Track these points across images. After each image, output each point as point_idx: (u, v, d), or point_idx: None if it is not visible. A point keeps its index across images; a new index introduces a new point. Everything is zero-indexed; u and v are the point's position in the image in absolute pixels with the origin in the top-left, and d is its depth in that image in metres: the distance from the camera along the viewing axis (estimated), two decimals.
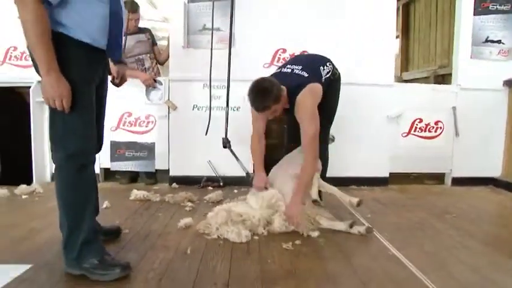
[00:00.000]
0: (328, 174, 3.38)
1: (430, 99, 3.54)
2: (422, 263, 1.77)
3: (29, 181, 3.35)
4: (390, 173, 3.55)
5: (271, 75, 2.52)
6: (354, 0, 3.44)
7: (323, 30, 3.41)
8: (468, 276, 1.66)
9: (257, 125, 2.52)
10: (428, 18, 5.26)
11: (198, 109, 3.47)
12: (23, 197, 2.98)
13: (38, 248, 1.95)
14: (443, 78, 4.54)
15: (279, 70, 2.54)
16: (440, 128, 3.55)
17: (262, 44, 3.41)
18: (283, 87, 2.32)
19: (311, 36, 3.40)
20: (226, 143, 3.22)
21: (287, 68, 2.51)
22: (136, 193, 2.97)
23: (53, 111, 1.61)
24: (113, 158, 3.54)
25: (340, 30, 3.41)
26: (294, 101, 2.33)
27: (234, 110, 3.42)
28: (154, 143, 3.53)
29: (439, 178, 3.70)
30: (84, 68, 1.64)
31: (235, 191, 3.27)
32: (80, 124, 1.63)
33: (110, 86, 2.02)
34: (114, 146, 3.53)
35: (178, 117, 3.48)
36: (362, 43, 3.43)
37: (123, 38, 1.95)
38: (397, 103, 3.49)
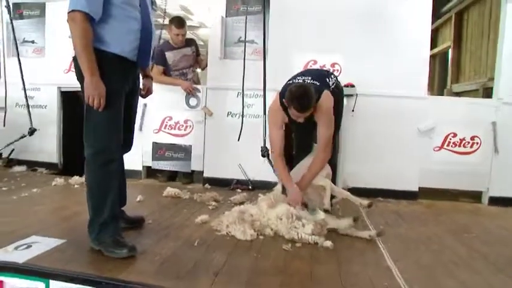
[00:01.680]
0: (356, 185, 3.46)
1: (466, 113, 3.42)
2: (412, 276, 1.79)
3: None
4: (421, 188, 3.47)
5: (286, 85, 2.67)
6: (388, 12, 3.45)
7: (355, 42, 3.46)
8: None
9: (276, 140, 2.62)
10: (481, 27, 4.99)
11: (232, 116, 3.71)
12: (75, 186, 3.44)
13: (76, 227, 2.29)
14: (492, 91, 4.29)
15: (290, 81, 2.67)
16: (477, 143, 3.40)
17: (293, 56, 3.55)
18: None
19: (342, 48, 3.48)
20: (265, 152, 3.37)
21: (298, 79, 2.66)
22: (169, 190, 3.27)
23: (88, 113, 1.94)
24: (154, 158, 3.90)
25: (372, 42, 3.44)
26: (316, 106, 2.46)
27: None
28: (191, 146, 3.84)
29: (475, 197, 3.53)
30: (117, 77, 1.96)
31: (260, 195, 3.41)
32: (107, 126, 1.95)
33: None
34: (156, 146, 3.89)
35: (214, 122, 3.75)
36: (395, 56, 3.42)
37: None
38: (429, 116, 3.42)
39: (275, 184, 3.53)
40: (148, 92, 2.42)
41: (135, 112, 2.33)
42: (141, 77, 2.33)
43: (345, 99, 3.36)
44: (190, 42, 3.93)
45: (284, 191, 2.66)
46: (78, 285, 1.57)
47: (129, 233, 2.24)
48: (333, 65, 3.48)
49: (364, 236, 2.31)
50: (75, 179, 3.56)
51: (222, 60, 3.68)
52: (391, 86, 3.41)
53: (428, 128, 3.41)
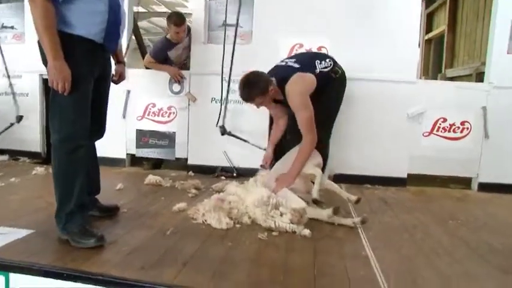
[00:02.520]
0: (344, 172, 3.38)
1: (456, 98, 3.31)
2: (389, 266, 1.72)
3: None
4: (409, 174, 3.39)
5: (270, 69, 2.60)
6: None
7: (343, 25, 3.34)
8: (431, 285, 1.59)
9: (275, 111, 2.78)
10: (476, 10, 4.84)
11: (216, 102, 3.60)
12: None
13: (48, 217, 2.17)
14: None
15: (275, 65, 2.59)
16: (467, 128, 3.31)
17: (279, 39, 3.43)
18: (273, 79, 2.42)
19: (329, 31, 3.36)
20: (223, 131, 3.33)
21: (282, 61, 2.57)
22: (151, 178, 3.19)
23: (53, 97, 1.85)
24: (138, 145, 3.81)
25: (360, 25, 3.32)
26: (283, 91, 2.43)
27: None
28: (174, 133, 3.74)
29: (465, 183, 3.45)
30: (83, 60, 1.87)
31: (245, 182, 3.34)
32: (73, 111, 1.86)
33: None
34: (140, 134, 3.80)
35: (198, 109, 3.65)
36: (384, 38, 3.30)
37: (122, 33, 2.12)
38: (419, 101, 3.31)
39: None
40: (120, 77, 2.34)
41: (107, 98, 2.24)
42: (113, 62, 2.24)
43: None
44: (187, 31, 3.67)
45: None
46: (39, 278, 1.51)
47: (101, 222, 2.18)
48: (319, 48, 3.36)
49: (347, 224, 2.24)
50: None
51: (205, 45, 3.56)
52: (380, 70, 3.30)
53: (418, 113, 3.31)
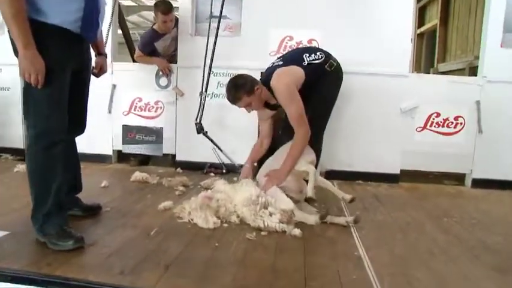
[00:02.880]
0: (335, 168, 3.31)
1: (450, 92, 3.25)
2: (383, 266, 1.64)
3: None
4: (402, 170, 3.33)
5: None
6: None
7: (334, 17, 3.26)
8: (427, 287, 1.52)
9: (263, 127, 2.70)
10: (469, 3, 4.79)
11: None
12: None
13: (25, 217, 2.07)
14: None
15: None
16: (461, 123, 3.25)
17: (269, 32, 3.33)
18: (258, 80, 2.45)
19: (320, 23, 3.27)
20: (200, 130, 3.19)
21: (271, 63, 2.54)
22: (137, 175, 3.08)
23: (26, 90, 1.74)
24: (125, 141, 3.69)
25: (352, 17, 3.25)
26: (270, 89, 2.37)
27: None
28: (162, 128, 3.63)
29: (459, 179, 3.40)
30: (58, 51, 1.74)
31: (235, 178, 3.26)
32: (48, 105, 1.74)
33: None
34: (126, 129, 3.68)
35: (185, 103, 3.54)
36: (376, 31, 3.22)
37: (102, 23, 2.00)
38: (411, 95, 3.25)
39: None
40: (101, 70, 2.22)
41: (87, 91, 2.13)
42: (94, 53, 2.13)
43: None
44: (175, 22, 3.53)
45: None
46: (9, 284, 1.41)
47: (82, 222, 2.07)
48: (310, 41, 3.27)
49: (340, 222, 2.16)
50: None
51: (193, 37, 3.45)
52: (372, 64, 3.23)
53: (411, 108, 3.24)
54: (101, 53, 2.22)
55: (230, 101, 2.45)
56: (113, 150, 3.75)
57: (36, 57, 1.64)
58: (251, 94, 2.38)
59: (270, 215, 2.06)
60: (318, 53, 2.52)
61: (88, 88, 2.12)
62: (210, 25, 3.21)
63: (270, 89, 2.41)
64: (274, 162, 2.51)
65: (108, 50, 3.56)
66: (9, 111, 3.93)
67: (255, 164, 2.84)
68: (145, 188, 2.86)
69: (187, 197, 2.54)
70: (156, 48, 3.48)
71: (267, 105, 2.55)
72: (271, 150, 2.71)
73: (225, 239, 1.90)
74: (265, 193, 2.24)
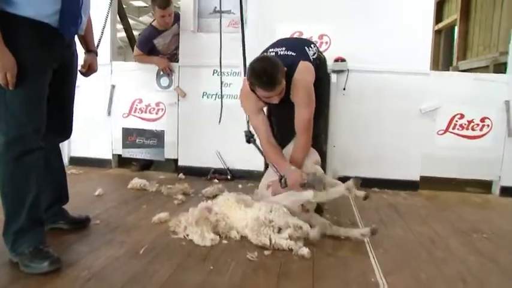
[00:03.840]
0: (348, 174, 3.04)
1: (475, 91, 2.94)
2: None
3: None
4: (422, 177, 3.05)
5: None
6: None
7: (347, 10, 2.99)
8: None
9: (259, 126, 2.21)
10: None
11: (207, 97, 3.28)
12: None
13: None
14: (505, 68, 3.81)
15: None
16: (488, 126, 2.95)
17: (276, 27, 3.08)
18: None
19: (332, 17, 3.01)
20: (250, 138, 2.90)
21: (270, 51, 2.23)
22: (135, 182, 2.87)
23: None
24: (125, 145, 3.50)
25: (366, 10, 2.98)
26: (289, 83, 2.07)
27: None
28: (163, 131, 3.42)
29: (485, 186, 3.09)
30: (33, 48, 1.56)
31: (240, 185, 3.04)
32: (22, 109, 1.55)
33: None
34: (126, 132, 3.48)
35: (188, 105, 3.33)
36: (394, 26, 2.95)
37: (86, 16, 1.80)
38: (432, 95, 2.96)
39: (258, 173, 3.15)
40: (90, 69, 2.02)
41: (72, 93, 1.94)
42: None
43: (334, 76, 2.94)
44: (175, 18, 3.28)
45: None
46: None
47: (66, 238, 1.87)
48: (320, 36, 3.01)
49: (354, 236, 1.91)
50: None
51: (195, 34, 3.23)
52: (388, 61, 2.96)
53: (431, 109, 2.96)
54: (90, 50, 2.02)
55: (266, 87, 1.95)
56: (113, 155, 3.56)
57: (5, 55, 1.45)
58: (283, 78, 1.97)
59: (279, 230, 1.82)
60: (312, 46, 2.27)
61: (73, 89, 1.92)
62: (221, 20, 2.96)
63: (286, 81, 2.06)
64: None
65: (106, 48, 3.44)
66: None
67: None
68: (142, 197, 2.65)
69: (187, 207, 2.30)
70: (156, 46, 3.27)
71: None
72: None
73: (223, 259, 1.67)
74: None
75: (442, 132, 3.00)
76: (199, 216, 1.96)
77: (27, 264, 1.50)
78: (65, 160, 3.60)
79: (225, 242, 1.86)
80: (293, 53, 2.16)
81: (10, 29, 1.46)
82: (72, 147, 3.60)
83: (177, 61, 3.32)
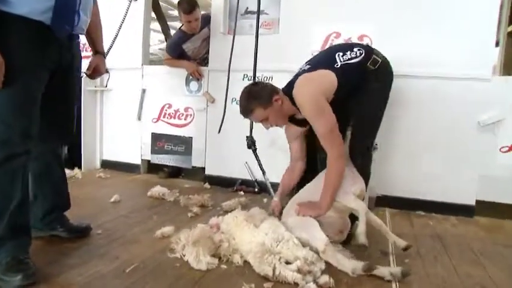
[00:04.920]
0: (388, 193, 2.68)
1: None
2: None
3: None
4: (479, 201, 2.57)
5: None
6: None
7: (391, 7, 2.64)
8: None
9: (292, 148, 2.18)
10: None
11: (237, 103, 3.06)
12: None
13: None
14: None
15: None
16: None
17: (311, 28, 2.82)
18: (279, 89, 1.98)
19: (374, 15, 2.68)
20: (251, 144, 2.75)
21: (298, 68, 2.06)
22: (155, 190, 2.76)
23: None
24: (153, 151, 3.42)
25: (414, 7, 2.59)
26: (293, 100, 1.90)
27: None
28: (191, 138, 3.29)
29: None
30: (25, 47, 1.48)
31: (265, 200, 2.79)
32: (9, 111, 1.47)
33: None
34: (155, 138, 3.41)
35: (217, 111, 3.15)
36: (447, 23, 2.54)
37: (87, 14, 1.70)
38: (494, 104, 2.49)
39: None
40: (96, 71, 1.92)
41: (72, 95, 1.85)
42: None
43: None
44: (205, 20, 3.16)
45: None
46: None
47: (59, 247, 1.78)
48: (361, 37, 2.68)
49: (381, 275, 1.57)
50: None
51: (226, 36, 3.06)
52: (441, 64, 2.55)
53: (493, 121, 2.49)
54: (97, 51, 1.92)
55: (241, 113, 2.01)
56: (142, 160, 3.50)
57: None
58: (268, 106, 1.91)
59: (287, 262, 1.55)
60: (354, 50, 1.95)
61: (74, 91, 1.85)
62: (258, 20, 2.71)
63: (292, 100, 1.92)
64: (309, 194, 1.98)
65: (138, 52, 3.41)
66: None
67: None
68: (157, 206, 2.51)
69: (200, 221, 2.14)
70: (185, 51, 3.15)
71: (293, 120, 2.05)
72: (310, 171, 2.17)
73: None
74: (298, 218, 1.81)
75: (507, 149, 2.51)
76: (201, 235, 1.76)
77: (0, 276, 1.39)
78: (97, 163, 3.63)
79: (224, 267, 1.62)
80: (307, 66, 1.97)
81: (1, 27, 1.39)
82: (104, 151, 3.62)
83: (207, 65, 3.18)
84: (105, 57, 1.97)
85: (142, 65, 3.38)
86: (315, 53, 2.74)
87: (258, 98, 1.91)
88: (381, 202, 2.65)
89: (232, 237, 1.74)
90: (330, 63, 1.88)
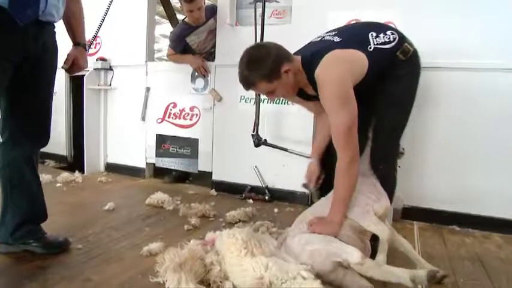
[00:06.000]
0: (416, 204, 2.32)
1: None
2: None
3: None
4: None
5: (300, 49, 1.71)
6: None
7: None
8: None
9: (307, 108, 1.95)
10: None
11: (246, 101, 2.81)
12: (57, 185, 2.88)
13: None
14: None
15: (309, 42, 1.74)
16: None
17: (327, 15, 2.50)
18: (295, 58, 1.58)
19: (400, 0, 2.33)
20: (259, 141, 2.47)
21: (317, 38, 1.68)
22: (154, 197, 2.51)
23: None
24: (158, 153, 3.19)
25: None
26: (312, 79, 1.52)
27: (286, 104, 2.63)
28: (198, 140, 3.03)
29: None
30: None
31: (276, 210, 2.49)
32: None
33: None
34: (159, 139, 3.17)
35: (224, 110, 2.89)
36: (486, 5, 2.16)
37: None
38: None
39: (302, 196, 2.59)
40: (75, 65, 1.68)
41: (45, 93, 1.63)
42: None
43: None
44: (211, 11, 2.89)
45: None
46: None
47: (28, 266, 1.55)
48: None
49: (401, 280, 1.26)
50: (64, 176, 3.01)
51: (233, 28, 2.78)
52: (480, 54, 2.17)
53: None
54: (77, 43, 1.69)
55: (242, 83, 1.61)
56: (147, 163, 3.27)
57: None
58: (274, 79, 1.53)
59: None
60: (388, 33, 1.61)
61: (46, 87, 1.61)
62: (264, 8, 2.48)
63: (309, 76, 1.56)
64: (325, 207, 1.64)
65: (142, 47, 3.18)
66: (56, 116, 3.75)
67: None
68: (153, 216, 2.26)
69: (197, 235, 1.91)
70: (189, 44, 2.89)
71: (300, 93, 1.71)
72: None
73: None
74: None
75: None
76: (189, 256, 1.48)
77: None
78: (101, 166, 3.44)
79: None
80: (338, 39, 1.58)
81: None
82: (108, 153, 3.42)
83: (213, 60, 2.91)
84: (86, 50, 1.73)
85: (146, 61, 3.16)
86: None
87: (260, 69, 1.52)
88: (408, 214, 2.30)
89: (224, 261, 1.45)
90: (363, 44, 1.55)
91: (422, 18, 2.25)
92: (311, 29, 2.51)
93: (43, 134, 1.64)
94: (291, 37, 2.56)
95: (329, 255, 1.37)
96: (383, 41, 1.59)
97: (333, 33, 1.65)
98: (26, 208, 1.62)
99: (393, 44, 1.60)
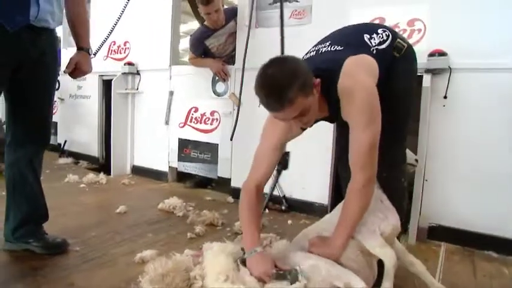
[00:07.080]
0: (438, 222, 2.11)
1: None
2: None
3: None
4: None
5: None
6: None
7: None
8: None
9: (267, 159, 1.53)
10: None
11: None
12: (81, 185, 2.96)
13: None
14: None
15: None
16: None
17: (349, 13, 2.32)
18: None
19: None
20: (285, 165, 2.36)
21: (311, 52, 1.51)
22: (167, 203, 2.49)
23: None
24: (180, 158, 3.18)
25: None
26: (334, 94, 1.31)
27: None
28: (217, 145, 2.97)
29: None
30: None
31: (290, 221, 2.35)
32: None
33: None
34: (182, 144, 3.16)
35: (243, 115, 2.79)
36: None
37: (54, 4, 1.47)
38: None
39: (320, 208, 2.44)
40: (77, 70, 1.68)
41: (45, 97, 1.65)
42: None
43: (427, 78, 2.02)
44: (231, 13, 2.81)
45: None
46: None
47: (22, 266, 1.56)
48: (411, 22, 2.12)
49: None
50: (89, 177, 3.10)
51: (252, 30, 2.69)
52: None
53: None
54: (80, 48, 1.69)
55: (275, 108, 1.23)
56: (169, 167, 3.28)
57: None
58: (307, 94, 1.22)
59: None
60: (380, 31, 1.43)
61: (46, 91, 1.63)
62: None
63: (330, 92, 1.33)
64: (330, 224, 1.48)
65: (166, 51, 3.20)
66: (90, 119, 3.92)
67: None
68: (161, 221, 2.23)
69: (198, 244, 1.83)
70: (209, 47, 2.84)
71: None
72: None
73: None
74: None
75: None
76: (174, 267, 1.41)
77: None
78: (127, 169, 3.51)
79: None
80: (340, 47, 1.41)
81: None
82: (134, 156, 3.48)
83: (233, 63, 2.84)
84: (90, 55, 1.73)
85: (170, 65, 3.17)
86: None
87: (298, 79, 1.19)
88: (432, 233, 2.05)
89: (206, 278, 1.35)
90: (365, 47, 1.38)
91: (455, 14, 2.01)
92: (333, 29, 2.37)
93: (43, 137, 1.66)
94: (313, 37, 2.45)
95: (330, 277, 1.23)
96: (378, 41, 1.42)
97: (327, 43, 1.46)
98: (26, 208, 1.65)
99: (388, 42, 1.42)
